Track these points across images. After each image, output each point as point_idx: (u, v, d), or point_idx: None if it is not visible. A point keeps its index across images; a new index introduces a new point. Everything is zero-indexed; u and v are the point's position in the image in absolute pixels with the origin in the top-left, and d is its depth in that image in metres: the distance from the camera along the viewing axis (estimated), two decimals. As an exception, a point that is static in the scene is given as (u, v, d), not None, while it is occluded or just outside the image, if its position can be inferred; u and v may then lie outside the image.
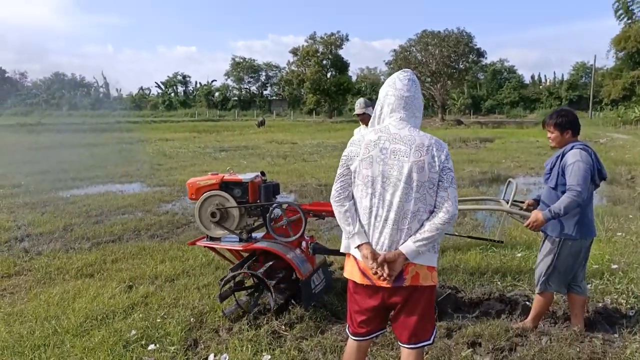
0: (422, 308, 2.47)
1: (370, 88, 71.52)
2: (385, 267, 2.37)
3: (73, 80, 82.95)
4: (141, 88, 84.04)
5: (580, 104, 59.38)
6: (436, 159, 2.37)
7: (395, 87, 2.51)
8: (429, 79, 53.74)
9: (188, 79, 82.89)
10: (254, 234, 4.32)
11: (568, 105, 59.81)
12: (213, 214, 4.18)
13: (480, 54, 53.30)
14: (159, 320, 3.97)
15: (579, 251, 3.55)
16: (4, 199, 9.71)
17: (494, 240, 4.60)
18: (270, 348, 3.51)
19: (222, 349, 3.52)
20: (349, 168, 2.49)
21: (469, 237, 5.53)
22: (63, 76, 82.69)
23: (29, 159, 16.91)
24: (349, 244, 2.54)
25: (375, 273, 2.39)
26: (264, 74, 79.77)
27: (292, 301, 4.14)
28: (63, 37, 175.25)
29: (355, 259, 2.53)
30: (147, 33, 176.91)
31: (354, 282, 2.55)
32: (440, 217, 2.36)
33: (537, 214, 3.46)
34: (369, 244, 2.43)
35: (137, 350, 3.48)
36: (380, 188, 2.39)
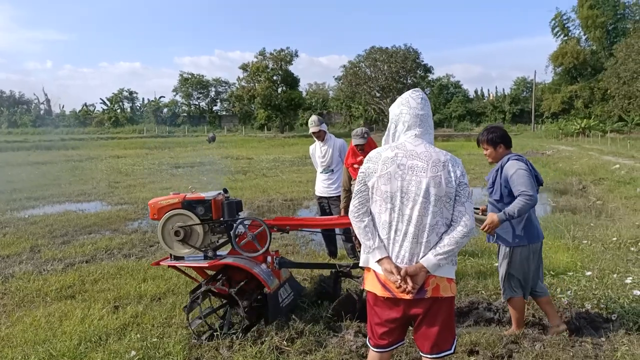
0: (443, 319, 2.55)
1: (320, 103, 72.26)
2: (409, 280, 2.46)
3: (12, 97, 79.23)
4: (85, 104, 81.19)
5: (523, 117, 62.21)
6: (452, 174, 2.49)
7: (409, 105, 2.62)
8: (378, 94, 55.00)
9: (135, 95, 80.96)
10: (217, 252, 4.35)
11: (511, 119, 62.71)
12: (177, 233, 4.17)
13: (427, 69, 55.18)
14: (155, 340, 3.90)
15: (529, 255, 3.80)
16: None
17: None
18: (275, 363, 3.53)
19: (227, 366, 3.51)
20: (367, 184, 2.57)
21: None
22: (1, 93, 78.85)
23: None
24: (368, 258, 2.61)
25: (399, 286, 2.47)
26: (213, 89, 78.98)
27: (292, 316, 4.17)
28: (1, 53, 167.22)
29: (375, 272, 2.59)
30: (88, 49, 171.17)
31: (374, 295, 2.61)
32: (459, 230, 2.48)
33: (492, 216, 3.64)
34: (389, 258, 2.52)
35: (141, 371, 3.42)
36: (399, 203, 2.48)
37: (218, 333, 3.96)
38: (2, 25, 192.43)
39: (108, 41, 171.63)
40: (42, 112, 78.52)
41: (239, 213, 4.44)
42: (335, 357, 3.58)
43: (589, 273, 5.31)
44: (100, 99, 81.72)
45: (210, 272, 4.42)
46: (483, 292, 4.95)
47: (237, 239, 4.24)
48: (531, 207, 3.61)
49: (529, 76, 67.74)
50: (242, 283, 4.09)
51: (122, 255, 6.76)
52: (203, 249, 4.19)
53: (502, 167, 3.75)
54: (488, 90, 72.78)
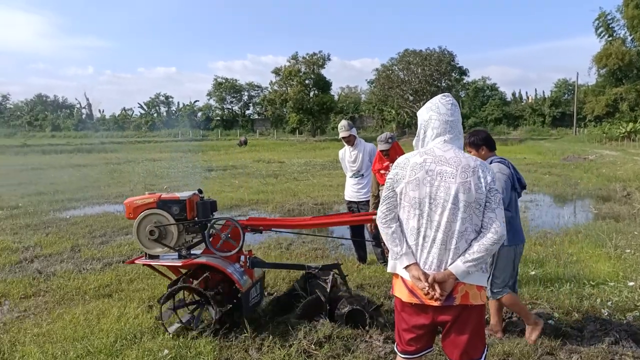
0: (472, 327, 2.53)
1: (352, 107, 72.16)
2: (437, 287, 2.45)
3: (55, 102, 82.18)
4: (124, 109, 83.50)
5: (564, 121, 60.59)
6: (482, 180, 2.47)
7: (439, 111, 2.61)
8: (411, 97, 54.54)
9: (170, 99, 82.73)
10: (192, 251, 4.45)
11: (551, 122, 61.14)
12: (152, 232, 4.25)
13: (463, 72, 54.35)
14: (189, 339, 3.99)
15: (513, 257, 3.91)
16: (5, 221, 9.62)
17: None
18: (303, 367, 3.57)
19: (257, 367, 3.56)
20: (395, 190, 2.58)
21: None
22: (45, 98, 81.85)
23: (21, 180, 16.71)
24: (395, 264, 2.61)
25: (427, 293, 2.46)
26: (246, 93, 79.94)
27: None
28: (45, 59, 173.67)
29: (402, 278, 2.59)
30: (127, 55, 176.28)
31: (401, 301, 2.61)
32: (489, 237, 2.45)
33: None
34: (417, 264, 2.51)
35: (173, 370, 3.51)
36: (427, 209, 2.48)
37: (188, 327, 4.14)
38: (46, 32, 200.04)
39: (146, 47, 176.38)
40: (83, 116, 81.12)
41: (214, 213, 4.52)
42: (363, 362, 3.59)
43: (631, 283, 5.15)
44: (138, 103, 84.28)
45: (184, 271, 4.50)
46: (517, 300, 4.87)
47: (210, 239, 4.31)
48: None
49: (570, 78, 65.84)
50: (219, 287, 4.20)
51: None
52: (177, 248, 4.29)
53: None
54: (526, 93, 71.34)
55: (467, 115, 62.43)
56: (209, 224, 4.28)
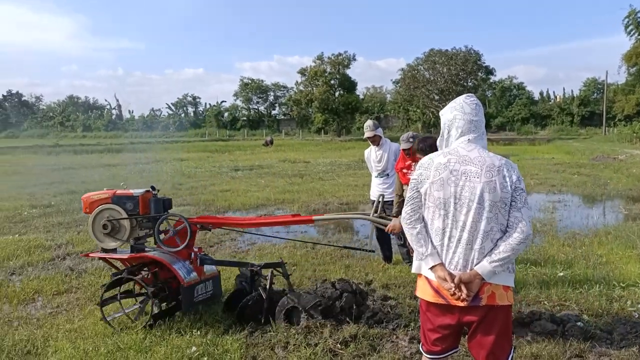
0: (499, 327, 2.51)
1: (377, 107, 71.91)
2: (463, 288, 2.43)
3: (86, 103, 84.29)
4: (152, 109, 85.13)
5: (593, 120, 59.32)
6: (507, 179, 2.45)
7: (463, 111, 2.60)
8: (437, 97, 54.10)
9: (198, 100, 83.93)
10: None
11: (580, 121, 59.87)
12: (104, 226, 4.44)
13: (489, 71, 53.73)
14: (217, 337, 4.04)
15: None
16: (39, 219, 9.91)
17: (366, 250, 5.02)
18: (329, 366, 3.58)
19: (283, 366, 3.59)
20: (419, 191, 2.57)
21: (343, 247, 5.88)
22: (77, 99, 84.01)
23: (54, 179, 17.16)
24: (420, 264, 2.61)
25: (453, 294, 2.45)
26: (272, 94, 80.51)
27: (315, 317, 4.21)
28: (76, 60, 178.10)
29: (426, 278, 2.59)
30: (156, 56, 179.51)
31: (427, 301, 2.60)
32: (515, 237, 2.42)
33: (395, 220, 4.07)
34: (442, 264, 2.50)
35: (201, 366, 3.57)
36: (452, 209, 2.47)
37: (128, 317, 4.39)
38: (77, 34, 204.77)
39: (174, 49, 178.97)
40: (113, 116, 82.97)
41: (169, 210, 4.65)
42: (389, 362, 3.59)
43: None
44: (166, 104, 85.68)
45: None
46: (546, 302, 4.79)
47: (160, 235, 4.45)
48: None
49: (599, 77, 64.35)
50: (165, 281, 4.40)
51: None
52: (129, 242, 4.48)
53: None
54: (554, 92, 69.94)
55: (494, 115, 61.64)
56: (158, 220, 4.45)
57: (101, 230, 4.49)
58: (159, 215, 4.47)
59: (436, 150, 3.99)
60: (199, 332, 4.10)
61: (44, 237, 8.16)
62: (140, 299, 4.60)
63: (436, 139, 4.19)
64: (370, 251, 4.74)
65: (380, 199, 4.61)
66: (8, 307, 5.05)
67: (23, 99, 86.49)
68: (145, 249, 4.61)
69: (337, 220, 9.14)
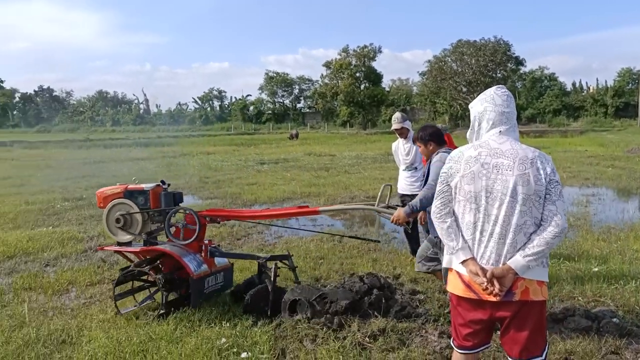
0: (533, 323, 2.46)
1: (404, 99, 71.31)
2: (496, 283, 2.39)
3: (115, 98, 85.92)
4: (179, 103, 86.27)
5: (627, 111, 57.63)
6: (541, 171, 2.39)
7: (494, 103, 2.55)
8: (464, 89, 53.32)
9: (223, 93, 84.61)
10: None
11: (614, 112, 58.25)
12: (117, 220, 4.57)
13: (519, 62, 52.68)
14: (246, 329, 4.07)
15: None
16: (71, 212, 10.15)
17: (372, 240, 4.94)
18: None
19: (311, 359, 3.59)
20: (449, 185, 2.54)
21: (350, 236, 5.78)
22: (106, 94, 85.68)
23: (85, 172, 17.54)
24: (451, 259, 2.58)
25: (486, 289, 2.41)
26: (297, 87, 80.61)
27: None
28: (105, 56, 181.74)
29: (457, 273, 2.56)
30: (182, 51, 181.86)
31: (457, 296, 2.57)
32: (550, 231, 2.37)
33: (399, 210, 3.94)
34: (474, 259, 2.47)
35: (231, 358, 3.60)
36: (484, 203, 2.42)
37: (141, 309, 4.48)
38: (106, 30, 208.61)
39: (200, 43, 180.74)
40: (141, 111, 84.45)
41: (179, 204, 4.73)
42: (418, 357, 3.56)
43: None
44: (193, 98, 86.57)
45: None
46: (580, 298, 4.69)
47: (170, 228, 4.55)
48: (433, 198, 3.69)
49: (635, 67, 62.55)
50: (173, 273, 4.48)
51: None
52: (141, 236, 4.58)
53: (430, 162, 4.03)
54: (586, 83, 68.15)
55: (524, 106, 60.43)
56: (168, 213, 4.53)
57: (115, 224, 4.61)
58: (169, 209, 4.54)
59: (436, 139, 4.12)
60: (228, 324, 4.14)
61: (76, 230, 8.35)
62: (152, 289, 4.72)
63: (437, 128, 4.26)
64: (375, 241, 4.72)
65: (384, 188, 4.56)
66: (43, 297, 5.19)
67: (54, 94, 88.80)
68: (157, 242, 4.72)
69: (350, 212, 9.19)
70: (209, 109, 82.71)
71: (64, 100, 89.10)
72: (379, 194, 4.45)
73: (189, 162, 22.19)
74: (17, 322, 4.40)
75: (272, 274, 4.43)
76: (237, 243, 7.45)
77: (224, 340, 3.84)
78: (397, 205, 4.28)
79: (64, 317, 4.53)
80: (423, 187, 4.10)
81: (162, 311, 4.33)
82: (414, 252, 6.37)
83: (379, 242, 5.74)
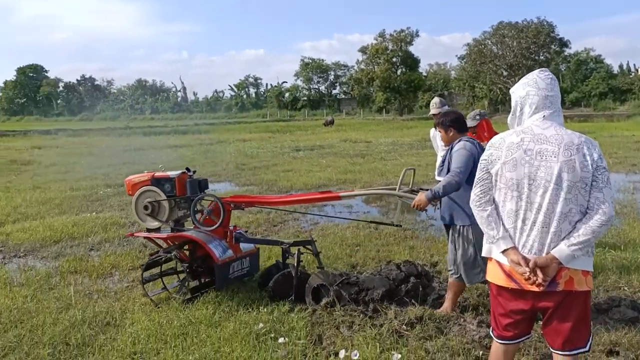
0: (577, 314, 2.40)
1: (441, 84, 69.98)
2: (539, 272, 2.33)
3: (154, 86, 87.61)
4: (215, 91, 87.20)
5: (681, 95, 54.88)
6: (588, 157, 2.30)
7: (537, 87, 2.46)
8: (505, 73, 51.89)
9: (259, 80, 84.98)
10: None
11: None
12: (146, 207, 4.67)
13: (564, 43, 50.83)
14: (283, 315, 4.11)
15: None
16: (113, 198, 10.47)
17: (393, 224, 4.90)
18: (395, 347, 3.55)
19: (348, 345, 3.59)
20: (489, 172, 2.48)
21: (369, 221, 5.68)
22: (145, 82, 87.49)
23: (126, 160, 18.00)
24: (491, 248, 2.52)
25: (528, 278, 2.35)
26: (332, 73, 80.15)
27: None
28: (143, 45, 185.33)
29: (497, 262, 2.50)
30: (219, 38, 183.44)
31: (498, 285, 2.52)
32: (596, 219, 2.30)
33: (421, 195, 3.90)
34: (515, 248, 2.40)
35: (268, 343, 3.64)
36: (527, 190, 2.36)
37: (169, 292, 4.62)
38: (144, 20, 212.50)
39: (235, 31, 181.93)
40: (179, 99, 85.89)
41: (205, 190, 4.80)
42: (456, 346, 3.51)
43: None
44: (229, 85, 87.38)
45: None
46: (626, 288, 4.53)
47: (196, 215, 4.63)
48: (457, 186, 3.72)
49: (686, 47, 59.25)
50: (199, 259, 4.61)
51: (250, 234, 7.17)
52: (168, 222, 4.68)
53: (451, 149, 3.97)
54: (634, 65, 65.14)
55: (568, 90, 58.32)
56: (194, 200, 4.60)
57: (143, 211, 4.72)
58: (194, 196, 4.62)
59: (457, 126, 4.06)
60: (265, 309, 4.19)
61: (118, 215, 8.61)
62: (181, 276, 4.82)
63: (459, 115, 4.20)
64: (397, 226, 4.70)
65: (405, 172, 4.54)
66: (88, 280, 5.38)
67: (96, 83, 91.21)
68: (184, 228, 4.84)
69: (387, 198, 9.17)
70: (244, 96, 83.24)
71: (105, 89, 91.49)
72: (400, 178, 4.41)
73: (225, 149, 22.47)
74: (64, 304, 4.58)
75: (296, 259, 4.47)
76: (274, 229, 7.51)
77: (261, 325, 3.88)
78: (420, 189, 4.23)
79: (108, 299, 4.68)
80: (440, 173, 4.06)
81: (188, 296, 4.44)
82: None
83: (400, 226, 5.72)
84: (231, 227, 4.83)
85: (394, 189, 4.36)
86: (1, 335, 3.89)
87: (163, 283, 4.77)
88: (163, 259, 4.61)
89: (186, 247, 4.73)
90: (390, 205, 9.20)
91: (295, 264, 4.46)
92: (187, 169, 4.92)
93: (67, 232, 7.46)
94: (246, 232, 5.01)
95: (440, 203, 4.08)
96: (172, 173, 4.78)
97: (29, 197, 10.72)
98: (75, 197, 10.70)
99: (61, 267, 5.79)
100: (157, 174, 4.82)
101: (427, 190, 3.92)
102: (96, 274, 5.53)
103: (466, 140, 3.94)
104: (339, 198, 4.69)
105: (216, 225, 4.58)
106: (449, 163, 3.92)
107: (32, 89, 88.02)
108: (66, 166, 16.86)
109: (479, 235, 3.78)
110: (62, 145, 27.11)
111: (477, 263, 3.89)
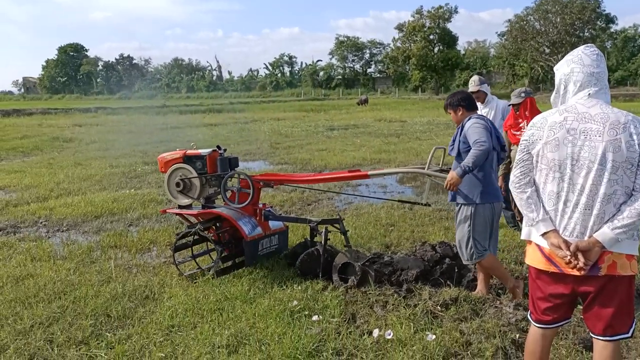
0: (619, 299, 2.32)
1: (480, 62, 68.20)
2: (580, 256, 2.26)
3: (190, 65, 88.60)
4: (250, 70, 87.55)
5: None
6: (635, 137, 2.21)
7: (582, 63, 2.36)
8: (548, 50, 50.15)
9: (294, 59, 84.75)
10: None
11: None
12: (177, 184, 4.76)
13: (610, 19, 48.69)
14: (317, 292, 4.14)
15: (491, 216, 3.92)
16: (151, 175, 10.69)
17: (421, 204, 4.73)
18: (429, 328, 3.53)
19: (382, 325, 3.59)
20: (530, 153, 2.41)
21: (397, 200, 5.69)
22: (181, 61, 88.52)
23: (162, 138, 18.32)
24: (530, 230, 2.46)
25: (569, 262, 2.28)
26: (367, 51, 79.24)
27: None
28: (180, 24, 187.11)
29: (537, 245, 2.44)
30: (253, 17, 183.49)
31: (537, 269, 2.46)
32: None
33: (452, 173, 3.78)
34: (556, 231, 2.34)
35: (302, 320, 3.67)
36: (569, 171, 2.28)
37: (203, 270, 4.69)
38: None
39: (270, 9, 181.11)
40: (214, 78, 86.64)
41: (235, 168, 4.84)
42: (492, 328, 3.46)
43: None
44: (264, 64, 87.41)
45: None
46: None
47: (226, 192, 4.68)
48: (486, 155, 3.68)
49: None
50: (220, 231, 4.70)
51: (284, 212, 7.23)
52: (200, 199, 4.76)
53: (462, 127, 3.92)
54: (686, 41, 61.89)
55: (614, 68, 56.00)
56: (224, 178, 4.65)
57: (175, 188, 4.81)
58: (224, 174, 4.67)
59: (466, 104, 4.00)
60: (299, 287, 4.23)
61: (156, 192, 8.80)
62: (214, 255, 4.92)
63: (468, 94, 4.12)
64: (426, 204, 4.66)
65: (435, 150, 4.49)
66: (127, 255, 5.53)
67: (134, 62, 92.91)
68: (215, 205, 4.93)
69: (422, 179, 9.10)
70: (279, 75, 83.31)
71: (143, 67, 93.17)
72: (430, 156, 4.32)
73: (260, 127, 22.60)
74: (105, 277, 4.73)
75: (323, 237, 4.50)
76: (308, 208, 7.54)
77: (295, 302, 3.92)
78: (449, 168, 4.14)
79: (147, 274, 4.80)
80: (450, 153, 4.03)
81: (218, 269, 4.56)
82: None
83: (429, 205, 5.69)
84: (260, 205, 4.87)
85: (423, 168, 4.30)
86: (46, 306, 4.05)
87: (197, 263, 4.85)
88: (192, 235, 4.68)
89: (218, 224, 4.80)
90: (424, 186, 9.09)
91: (323, 242, 4.48)
92: (218, 146, 4.98)
93: (107, 207, 7.67)
94: (276, 209, 5.05)
95: None
96: (203, 151, 4.84)
97: (71, 173, 11.06)
98: (115, 174, 10.98)
99: (102, 242, 5.97)
100: (189, 151, 4.89)
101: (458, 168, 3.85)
102: (135, 249, 5.68)
103: (476, 117, 3.93)
104: (367, 176, 4.69)
105: (246, 202, 4.63)
106: (459, 142, 3.90)
107: (73, 68, 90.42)
108: (106, 143, 17.29)
109: (477, 215, 3.86)
110: (101, 123, 27.77)
111: (469, 243, 3.90)
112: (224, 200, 4.74)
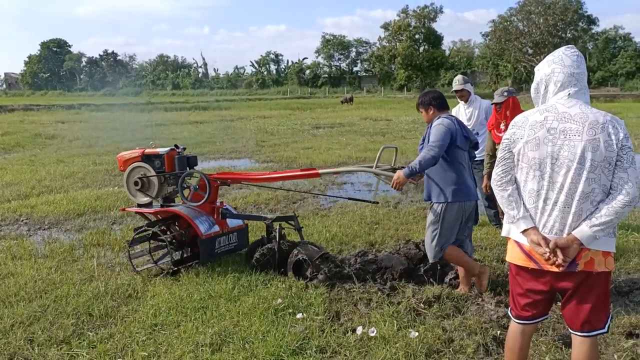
0: (596, 295, 2.38)
1: (464, 62, 68.68)
2: (559, 253, 2.30)
3: (175, 62, 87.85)
4: (236, 67, 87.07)
5: None
6: (613, 137, 2.25)
7: (563, 64, 2.41)
8: (531, 50, 50.69)
9: (280, 57, 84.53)
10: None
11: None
12: (136, 183, 4.80)
13: (591, 21, 49.35)
14: (301, 290, 4.14)
15: (461, 214, 3.92)
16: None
17: (370, 202, 4.84)
18: (412, 325, 3.56)
19: (366, 322, 3.61)
20: (511, 151, 2.45)
21: (348, 198, 5.77)
22: (166, 58, 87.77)
23: (147, 135, 18.14)
24: (511, 228, 2.51)
25: (548, 259, 2.33)
26: (354, 50, 79.34)
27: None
28: (166, 20, 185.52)
29: (517, 242, 2.48)
30: (240, 13, 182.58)
31: (517, 265, 2.51)
32: (620, 199, 2.26)
33: (399, 173, 3.81)
34: (536, 228, 2.38)
35: (286, 318, 3.68)
36: (549, 170, 2.32)
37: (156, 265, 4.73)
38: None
39: (257, 5, 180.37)
40: (200, 75, 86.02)
41: (194, 167, 4.86)
42: (474, 325, 3.50)
43: None
44: (250, 61, 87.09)
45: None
46: (648, 271, 4.45)
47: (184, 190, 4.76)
48: (434, 160, 3.72)
49: None
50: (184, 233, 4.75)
51: (269, 210, 7.24)
52: (158, 198, 4.80)
53: (430, 126, 3.95)
54: (665, 43, 62.90)
55: (595, 69, 56.78)
56: (182, 176, 4.69)
57: (134, 187, 4.83)
58: (182, 172, 4.71)
59: (437, 103, 4.03)
60: (283, 285, 4.22)
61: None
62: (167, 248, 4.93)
63: (439, 93, 4.17)
64: (374, 203, 4.71)
65: (383, 150, 4.42)
66: (110, 253, 5.48)
67: (118, 58, 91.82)
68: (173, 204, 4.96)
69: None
70: (265, 72, 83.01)
71: (127, 64, 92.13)
72: (377, 155, 4.32)
73: (245, 125, 22.54)
74: (87, 276, 4.68)
75: (277, 234, 4.58)
76: (293, 207, 7.54)
77: (279, 300, 3.92)
78: (400, 167, 4.14)
79: (130, 272, 4.76)
80: (421, 150, 4.03)
81: (172, 269, 4.59)
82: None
83: (377, 203, 5.74)
84: (218, 203, 4.92)
85: (371, 167, 4.33)
86: (26, 305, 4.00)
87: (152, 257, 4.85)
88: (149, 233, 4.71)
89: (176, 222, 4.83)
90: (410, 185, 9.13)
91: (277, 239, 4.58)
92: (176, 145, 5.01)
93: (90, 205, 7.59)
94: (235, 208, 5.11)
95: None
96: (161, 150, 4.86)
97: (53, 170, 10.93)
98: (98, 171, 10.86)
99: (84, 240, 5.91)
100: (147, 150, 4.91)
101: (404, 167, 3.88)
102: (118, 247, 5.62)
103: (445, 117, 3.95)
104: (318, 175, 4.77)
105: (202, 201, 4.67)
106: (428, 141, 3.93)
107: (56, 64, 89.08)
108: (89, 140, 17.10)
109: (449, 215, 3.89)
110: (85, 120, 27.46)
111: (434, 241, 3.96)
112: (181, 199, 4.78)
